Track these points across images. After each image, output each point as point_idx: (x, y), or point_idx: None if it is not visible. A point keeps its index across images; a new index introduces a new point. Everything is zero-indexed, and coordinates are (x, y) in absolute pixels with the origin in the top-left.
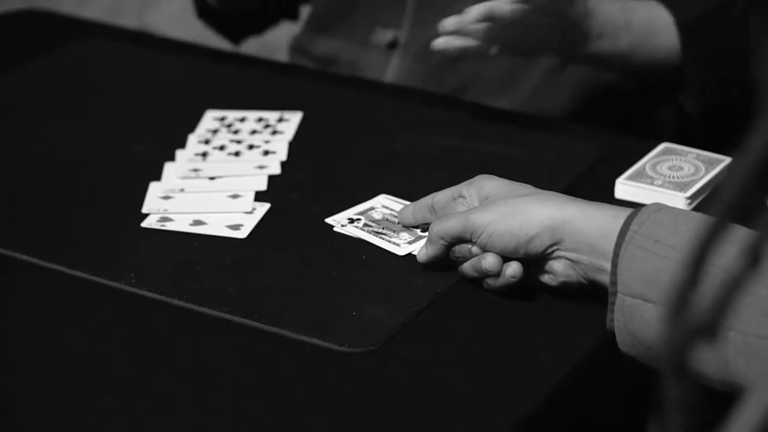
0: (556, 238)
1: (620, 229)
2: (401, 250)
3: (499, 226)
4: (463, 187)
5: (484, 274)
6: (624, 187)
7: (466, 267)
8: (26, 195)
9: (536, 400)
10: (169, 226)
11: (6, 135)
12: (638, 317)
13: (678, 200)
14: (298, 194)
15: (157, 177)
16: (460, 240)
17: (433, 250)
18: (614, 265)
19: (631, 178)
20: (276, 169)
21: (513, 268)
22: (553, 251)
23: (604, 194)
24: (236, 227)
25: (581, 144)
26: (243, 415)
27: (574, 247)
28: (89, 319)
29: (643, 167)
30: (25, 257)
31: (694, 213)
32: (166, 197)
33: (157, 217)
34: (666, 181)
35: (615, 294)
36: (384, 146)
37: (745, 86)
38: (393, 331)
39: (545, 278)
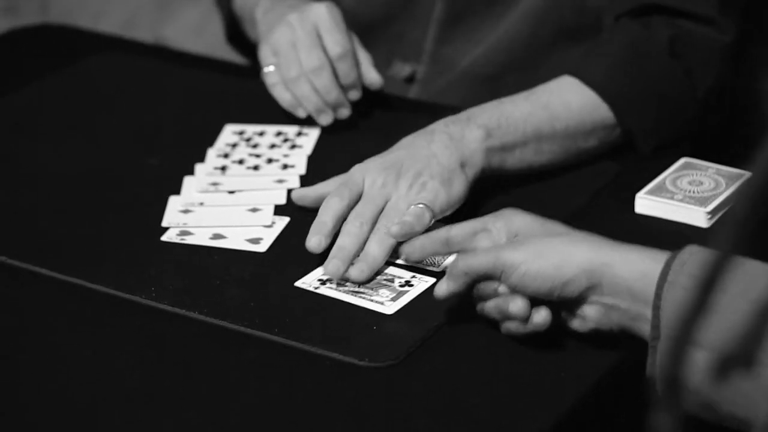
0: (593, 282)
1: (661, 271)
2: (388, 309)
3: (533, 267)
4: (489, 221)
5: (508, 318)
6: (644, 202)
7: (489, 307)
8: (44, 209)
9: (556, 417)
10: (188, 240)
11: (23, 149)
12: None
13: (698, 215)
14: (318, 208)
15: (175, 191)
16: (486, 277)
17: (455, 286)
18: (656, 307)
19: (651, 192)
20: (295, 183)
21: (542, 315)
22: (588, 296)
23: (624, 208)
24: (256, 241)
25: (601, 159)
26: (262, 429)
27: (611, 291)
28: (108, 332)
29: (663, 182)
30: (44, 271)
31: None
32: (186, 211)
33: (177, 230)
34: (686, 196)
35: (657, 338)
36: None
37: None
38: (413, 346)
39: (575, 324)
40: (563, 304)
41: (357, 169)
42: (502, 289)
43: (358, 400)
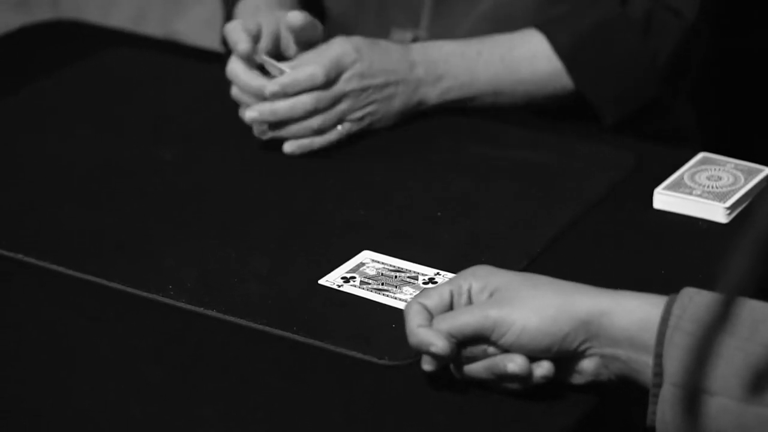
0: (591, 333)
1: (661, 317)
2: None
3: (531, 322)
4: (463, 283)
5: (505, 378)
6: (662, 197)
7: (476, 369)
8: (57, 205)
9: (579, 413)
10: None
11: (36, 145)
12: None
13: (717, 210)
14: (335, 204)
15: (188, 185)
16: (473, 340)
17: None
18: (658, 355)
19: (669, 188)
20: None
21: (545, 368)
22: (586, 348)
23: (642, 204)
24: None
25: (618, 153)
26: (280, 427)
27: (611, 342)
28: (124, 330)
29: (682, 177)
30: (59, 268)
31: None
32: None
33: None
34: (705, 191)
35: (659, 386)
36: (419, 153)
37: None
38: None
39: (570, 378)
40: (558, 358)
41: None
42: (492, 350)
43: (377, 398)
